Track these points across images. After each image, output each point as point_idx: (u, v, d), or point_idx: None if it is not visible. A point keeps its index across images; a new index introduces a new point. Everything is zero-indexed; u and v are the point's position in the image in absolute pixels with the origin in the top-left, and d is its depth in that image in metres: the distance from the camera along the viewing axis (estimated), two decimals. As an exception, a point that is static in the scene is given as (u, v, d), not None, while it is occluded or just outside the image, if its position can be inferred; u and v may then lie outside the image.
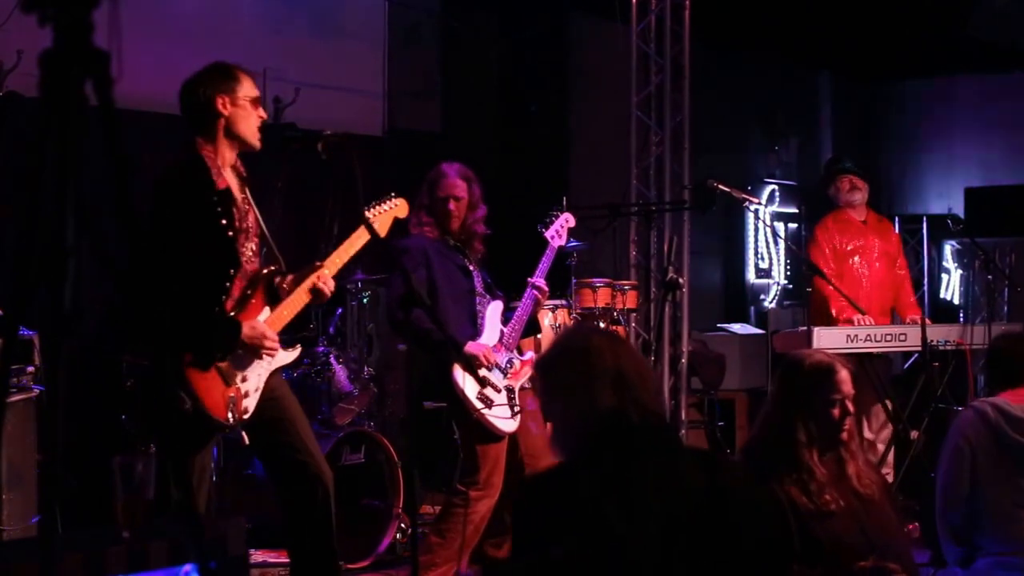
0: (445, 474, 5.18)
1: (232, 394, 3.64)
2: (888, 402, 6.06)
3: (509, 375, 4.76)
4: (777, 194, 10.57)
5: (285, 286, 3.82)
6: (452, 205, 4.77)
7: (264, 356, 3.73)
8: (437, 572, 4.60)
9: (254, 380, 3.72)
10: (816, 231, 6.48)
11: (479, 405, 4.58)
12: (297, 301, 3.82)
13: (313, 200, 6.34)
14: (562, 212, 5.16)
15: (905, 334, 6.01)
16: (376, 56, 7.79)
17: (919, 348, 5.94)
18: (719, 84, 9.33)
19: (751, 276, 10.30)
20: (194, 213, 3.62)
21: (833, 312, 6.13)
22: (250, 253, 3.76)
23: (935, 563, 4.33)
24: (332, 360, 5.61)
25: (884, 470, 5.90)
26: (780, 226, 10.53)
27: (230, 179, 3.74)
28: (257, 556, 5.22)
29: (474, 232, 4.84)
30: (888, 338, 5.98)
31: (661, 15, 7.76)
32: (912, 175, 11.47)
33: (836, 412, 3.13)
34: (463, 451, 4.70)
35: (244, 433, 3.71)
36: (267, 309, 3.78)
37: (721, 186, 5.59)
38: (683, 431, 7.14)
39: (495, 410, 4.62)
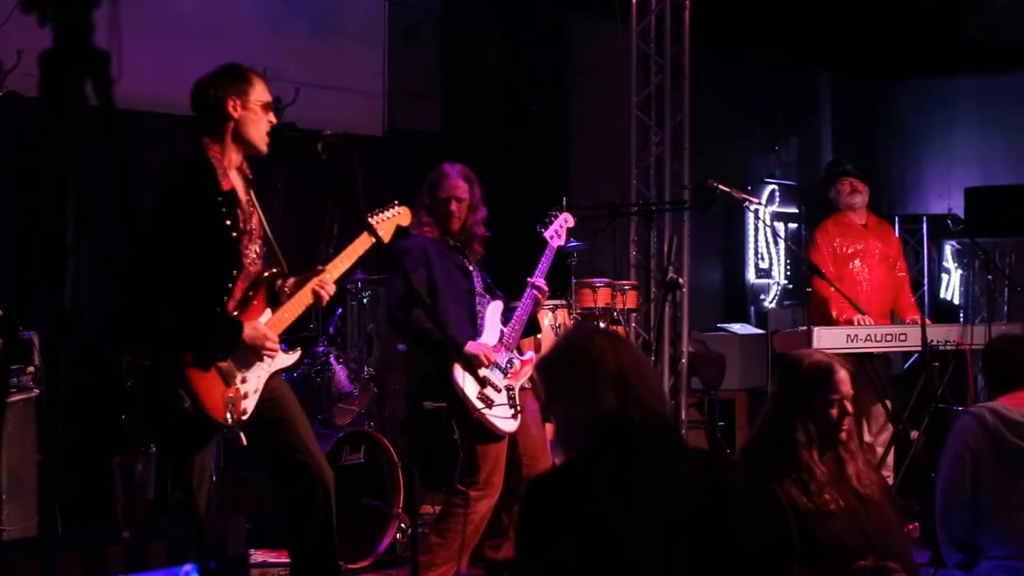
0: (445, 474, 5.18)
1: (231, 394, 3.64)
2: (888, 402, 6.06)
3: (509, 375, 4.76)
4: (777, 194, 10.57)
5: (287, 289, 3.83)
6: (454, 206, 4.77)
7: (264, 358, 3.73)
8: (437, 572, 4.60)
9: (254, 381, 3.72)
10: (816, 234, 6.46)
11: (479, 405, 4.58)
12: (298, 304, 3.82)
13: (313, 200, 6.35)
14: (561, 212, 5.16)
15: (905, 334, 6.01)
16: (376, 56, 7.79)
17: (919, 348, 5.94)
18: (719, 84, 9.33)
19: (751, 276, 10.30)
20: (198, 212, 3.62)
21: (833, 314, 6.13)
22: (254, 255, 3.76)
23: (935, 563, 4.33)
24: (332, 360, 5.61)
25: (883, 472, 5.89)
26: (780, 226, 10.53)
27: (236, 181, 3.74)
28: (257, 556, 5.22)
29: (474, 234, 4.84)
30: (888, 338, 5.98)
31: (661, 15, 7.77)
32: (912, 175, 11.47)
33: (835, 412, 3.13)
34: (463, 451, 4.70)
35: (242, 434, 3.71)
36: (268, 311, 3.79)
37: (721, 186, 5.59)
38: (683, 431, 7.14)
39: (495, 410, 4.62)
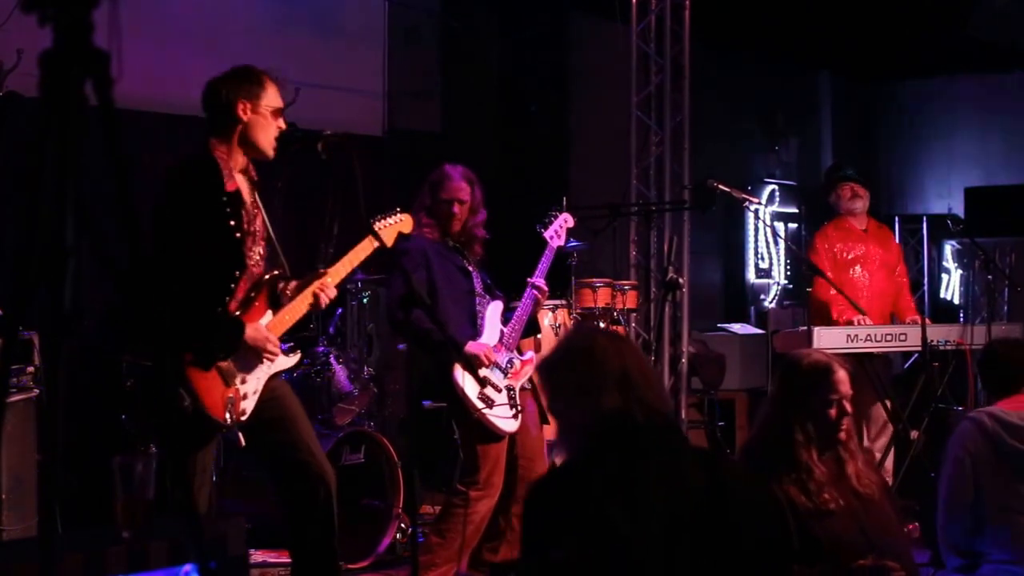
0: (445, 474, 5.18)
1: (231, 395, 3.64)
2: (888, 402, 6.05)
3: (509, 375, 4.76)
4: (777, 194, 10.57)
5: (288, 292, 3.83)
6: (456, 208, 4.77)
7: (264, 360, 3.73)
8: (437, 572, 4.60)
9: (253, 383, 3.72)
10: (816, 239, 6.42)
11: (480, 405, 4.58)
12: (299, 307, 3.82)
13: (313, 200, 6.35)
14: (561, 212, 5.16)
15: (905, 334, 6.00)
16: (376, 56, 7.79)
17: (919, 348, 5.93)
18: (719, 84, 9.34)
19: (751, 276, 10.31)
20: (202, 211, 3.62)
21: (834, 317, 6.12)
22: (257, 257, 3.76)
23: (935, 563, 4.33)
24: (332, 360, 5.61)
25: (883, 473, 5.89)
26: (780, 226, 10.54)
27: (241, 182, 3.74)
28: (257, 556, 5.22)
29: (474, 235, 4.84)
30: (888, 338, 5.98)
31: (661, 15, 7.77)
32: (912, 175, 11.47)
33: (833, 412, 3.13)
34: (463, 451, 4.70)
35: (240, 434, 3.71)
36: (269, 313, 3.79)
37: (721, 186, 5.59)
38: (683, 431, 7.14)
39: (496, 410, 4.62)
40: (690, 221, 7.66)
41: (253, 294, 3.74)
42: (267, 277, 3.79)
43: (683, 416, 7.24)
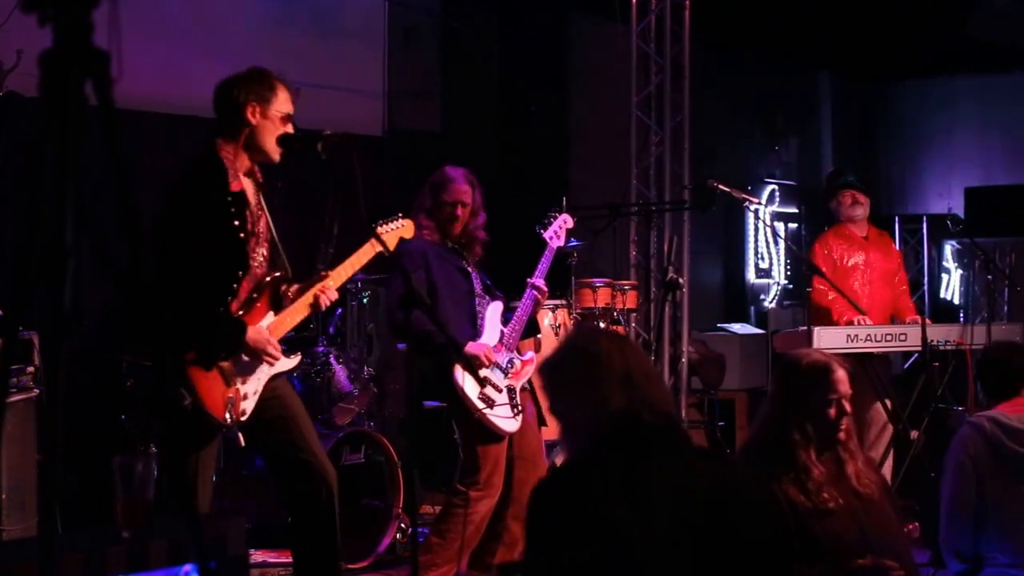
0: (445, 474, 5.18)
1: (231, 395, 3.64)
2: (888, 402, 6.05)
3: (510, 375, 4.76)
4: (777, 194, 10.57)
5: (290, 294, 3.83)
6: (460, 211, 4.77)
7: (265, 362, 3.73)
8: (437, 572, 4.60)
9: (253, 383, 3.72)
10: (816, 246, 6.37)
11: (481, 405, 4.58)
12: (300, 309, 3.82)
13: (313, 200, 6.35)
14: (560, 213, 5.16)
15: (905, 334, 6.00)
16: (376, 56, 7.80)
17: (919, 348, 5.93)
18: (719, 84, 9.34)
19: (751, 276, 10.31)
20: (207, 211, 3.62)
21: (834, 319, 6.11)
22: (261, 258, 3.76)
23: (935, 563, 4.33)
24: (332, 360, 5.61)
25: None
26: (780, 226, 10.54)
27: (246, 183, 3.74)
28: (257, 556, 5.22)
29: (475, 237, 4.84)
30: (888, 338, 5.97)
31: (661, 15, 7.77)
32: (912, 175, 11.48)
33: (833, 412, 3.12)
34: (463, 451, 4.70)
35: (240, 435, 3.71)
36: (271, 314, 3.79)
37: (721, 186, 5.59)
38: (683, 431, 7.14)
39: (497, 410, 4.62)
40: (690, 221, 7.66)
41: (255, 295, 3.74)
42: (269, 279, 3.79)
43: (683, 416, 7.24)
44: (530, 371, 4.81)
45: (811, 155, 11.06)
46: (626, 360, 2.44)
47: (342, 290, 5.41)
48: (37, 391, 4.53)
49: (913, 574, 3.18)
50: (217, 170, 3.65)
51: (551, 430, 4.78)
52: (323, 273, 3.88)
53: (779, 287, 10.48)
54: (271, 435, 3.79)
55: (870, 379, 5.88)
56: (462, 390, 4.58)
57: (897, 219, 10.08)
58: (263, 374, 3.74)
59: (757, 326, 9.21)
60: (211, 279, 3.64)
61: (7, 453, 4.40)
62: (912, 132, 11.43)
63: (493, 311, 4.83)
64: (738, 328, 8.63)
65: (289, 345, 3.86)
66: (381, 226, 4.12)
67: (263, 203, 3.80)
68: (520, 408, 4.73)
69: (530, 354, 4.96)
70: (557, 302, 6.13)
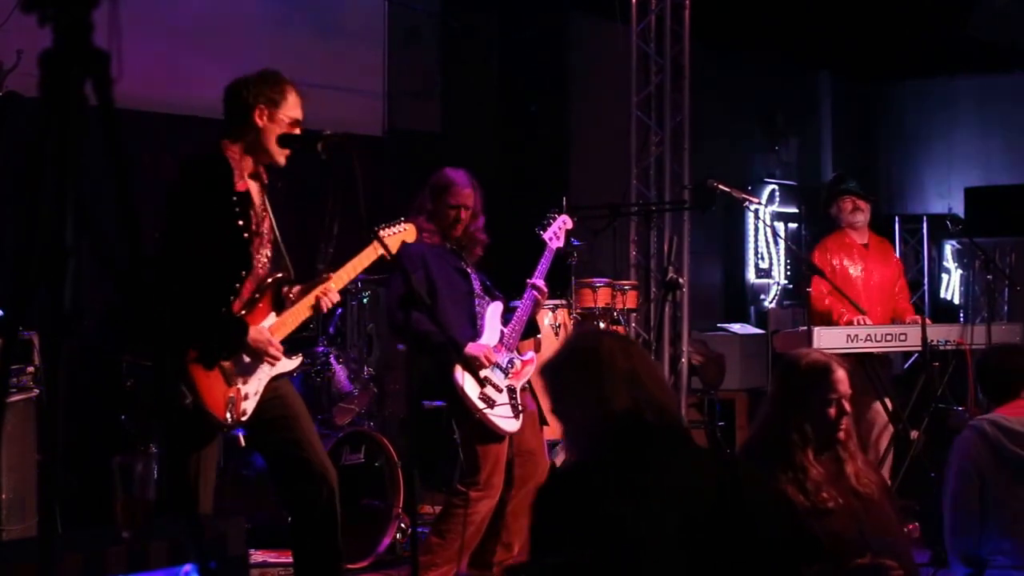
0: (445, 474, 5.17)
1: (232, 394, 3.64)
2: (888, 402, 6.05)
3: (510, 375, 4.76)
4: (777, 194, 10.57)
5: (292, 295, 3.83)
6: (463, 214, 4.77)
7: (266, 362, 3.74)
8: (437, 572, 4.60)
9: (254, 384, 3.72)
10: (815, 252, 6.33)
11: (481, 405, 4.58)
12: (301, 311, 3.83)
13: (313, 200, 6.35)
14: (560, 214, 5.16)
15: (905, 334, 5.99)
16: (376, 56, 7.79)
17: (919, 348, 5.93)
18: (719, 84, 9.34)
19: (751, 276, 10.31)
20: (211, 209, 3.62)
21: (834, 319, 6.10)
22: (264, 259, 3.77)
23: (935, 563, 4.33)
24: (332, 360, 5.61)
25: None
26: (780, 226, 10.54)
27: (251, 184, 3.74)
28: (257, 556, 5.22)
29: (476, 239, 4.84)
30: (888, 338, 5.97)
31: (661, 15, 7.77)
32: (912, 175, 11.48)
33: (832, 411, 3.12)
34: (463, 451, 4.70)
35: (241, 434, 3.71)
36: (273, 315, 3.79)
37: (721, 186, 5.59)
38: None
39: (497, 410, 4.62)
40: (690, 221, 7.66)
41: (258, 295, 3.75)
42: (272, 279, 3.79)
43: (683, 416, 7.24)
44: (530, 371, 4.81)
45: (811, 155, 11.06)
46: (630, 360, 2.44)
47: (342, 290, 5.41)
48: (37, 391, 4.53)
49: (913, 574, 3.18)
50: (222, 169, 3.65)
51: (552, 430, 4.79)
52: (325, 275, 3.89)
53: (779, 287, 10.48)
54: (272, 435, 3.79)
55: (870, 379, 5.88)
56: (462, 390, 4.58)
57: (897, 219, 10.08)
58: (264, 374, 3.75)
59: (757, 326, 9.21)
60: (214, 278, 3.64)
61: (7, 453, 4.40)
62: (912, 132, 11.42)
63: (493, 311, 4.83)
64: (738, 328, 8.63)
65: (289, 345, 3.86)
66: (384, 229, 4.12)
67: (267, 204, 3.81)
68: (521, 408, 4.73)
69: (530, 354, 4.96)
70: (557, 302, 6.13)
